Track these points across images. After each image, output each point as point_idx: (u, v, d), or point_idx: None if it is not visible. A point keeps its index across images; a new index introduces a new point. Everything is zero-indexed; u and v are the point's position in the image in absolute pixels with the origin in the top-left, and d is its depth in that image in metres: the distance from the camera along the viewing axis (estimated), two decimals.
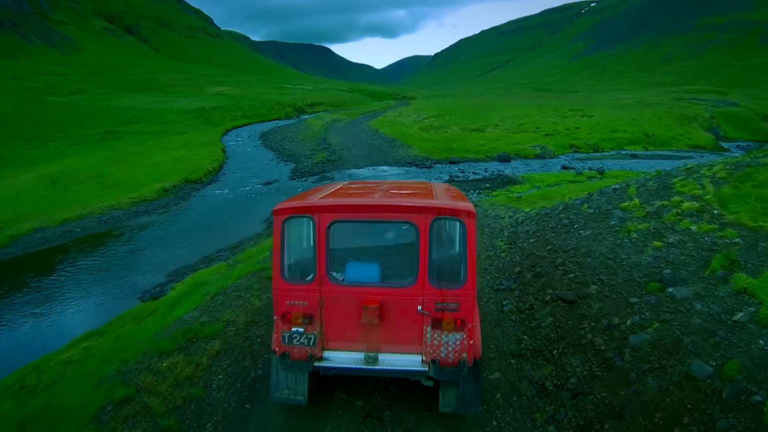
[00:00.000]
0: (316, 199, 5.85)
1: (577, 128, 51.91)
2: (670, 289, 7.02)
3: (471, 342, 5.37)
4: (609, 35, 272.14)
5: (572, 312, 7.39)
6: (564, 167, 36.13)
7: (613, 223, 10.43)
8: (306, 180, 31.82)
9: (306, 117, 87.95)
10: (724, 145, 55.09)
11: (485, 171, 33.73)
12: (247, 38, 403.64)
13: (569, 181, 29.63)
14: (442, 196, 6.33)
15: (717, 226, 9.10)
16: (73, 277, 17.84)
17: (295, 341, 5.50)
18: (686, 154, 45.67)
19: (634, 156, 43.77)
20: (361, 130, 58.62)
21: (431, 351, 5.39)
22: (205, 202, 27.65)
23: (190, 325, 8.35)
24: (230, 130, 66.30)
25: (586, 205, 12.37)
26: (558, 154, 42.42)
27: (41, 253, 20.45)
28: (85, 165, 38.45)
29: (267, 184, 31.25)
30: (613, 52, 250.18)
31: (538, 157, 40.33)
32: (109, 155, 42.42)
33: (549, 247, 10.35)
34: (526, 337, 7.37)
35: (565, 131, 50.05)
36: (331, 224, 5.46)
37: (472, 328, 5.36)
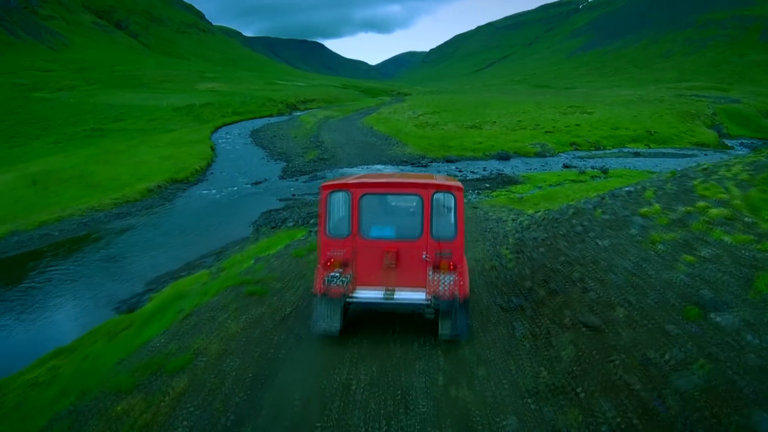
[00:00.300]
0: (350, 180, 7.86)
1: (577, 125, 51.05)
2: (713, 316, 6.06)
3: (461, 282, 7.10)
4: (607, 31, 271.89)
5: (598, 341, 6.41)
6: (565, 166, 35.23)
7: (633, 231, 9.44)
8: (297, 179, 30.77)
9: (298, 114, 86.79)
10: (728, 142, 54.38)
11: (484, 170, 32.77)
12: (240, 34, 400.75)
13: (572, 181, 28.72)
14: (439, 178, 8.47)
15: (753, 237, 8.13)
16: (48, 285, 16.73)
17: (333, 282, 7.10)
18: (690, 152, 44.89)
19: (636, 154, 42.91)
20: (355, 127, 57.59)
21: (433, 287, 7.07)
22: (191, 203, 26.54)
23: (155, 354, 7.30)
24: (220, 127, 65.21)
25: (599, 210, 11.39)
26: (559, 152, 41.55)
27: (16, 259, 19.31)
28: (68, 164, 37.27)
29: (256, 183, 30.16)
30: (611, 49, 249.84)
31: (538, 155, 39.41)
32: (94, 154, 41.24)
33: (563, 258, 9.35)
34: (543, 370, 6.37)
35: (565, 128, 49.17)
36: (362, 196, 7.37)
37: (462, 272, 7.17)
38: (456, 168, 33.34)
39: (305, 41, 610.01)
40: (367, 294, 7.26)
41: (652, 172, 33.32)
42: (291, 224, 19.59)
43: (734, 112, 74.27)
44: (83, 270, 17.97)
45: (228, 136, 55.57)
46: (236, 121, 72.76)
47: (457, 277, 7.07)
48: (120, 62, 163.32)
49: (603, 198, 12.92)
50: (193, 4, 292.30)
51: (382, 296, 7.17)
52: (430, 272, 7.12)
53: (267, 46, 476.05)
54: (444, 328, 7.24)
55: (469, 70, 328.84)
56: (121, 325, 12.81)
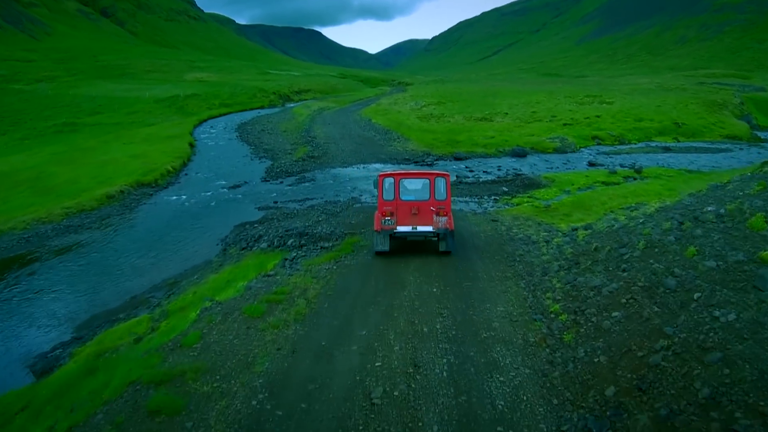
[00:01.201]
0: (393, 172, 14.64)
1: (597, 117, 47.62)
2: None
3: (450, 222, 13.51)
4: (618, 17, 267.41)
5: None
6: (591, 164, 31.84)
7: None
8: (281, 182, 27.42)
9: (292, 105, 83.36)
10: (760, 134, 51.04)
11: (498, 169, 29.41)
12: (232, 21, 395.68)
13: (603, 183, 25.38)
14: (436, 170, 16.72)
15: None
16: None
17: (385, 223, 13.44)
18: (723, 146, 41.51)
19: (666, 149, 39.49)
20: (352, 119, 54.26)
21: (435, 224, 13.45)
22: (155, 213, 23.22)
23: None
24: (205, 120, 62.03)
25: (692, 248, 8.03)
26: (580, 148, 38.18)
27: None
28: (29, 163, 34.12)
29: (234, 188, 26.83)
30: (622, 35, 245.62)
31: (557, 151, 36.03)
32: (59, 152, 38.09)
33: (662, 340, 6.02)
34: None
35: (584, 120, 45.74)
36: (400, 180, 13.88)
37: (450, 216, 13.59)
38: (466, 167, 29.98)
39: (301, 29, 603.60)
40: (402, 229, 13.61)
41: (690, 172, 30.00)
42: (264, 245, 16.26)
43: (762, 101, 70.87)
44: (3, 307, 14.72)
45: (212, 131, 52.38)
46: (224, 114, 69.63)
47: (448, 219, 13.54)
48: (104, 51, 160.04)
49: (681, 223, 9.55)
50: None
51: (410, 230, 13.61)
52: (435, 216, 13.51)
53: (261, 34, 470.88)
54: (441, 246, 13.94)
55: (474, 59, 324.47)
56: (17, 405, 9.63)
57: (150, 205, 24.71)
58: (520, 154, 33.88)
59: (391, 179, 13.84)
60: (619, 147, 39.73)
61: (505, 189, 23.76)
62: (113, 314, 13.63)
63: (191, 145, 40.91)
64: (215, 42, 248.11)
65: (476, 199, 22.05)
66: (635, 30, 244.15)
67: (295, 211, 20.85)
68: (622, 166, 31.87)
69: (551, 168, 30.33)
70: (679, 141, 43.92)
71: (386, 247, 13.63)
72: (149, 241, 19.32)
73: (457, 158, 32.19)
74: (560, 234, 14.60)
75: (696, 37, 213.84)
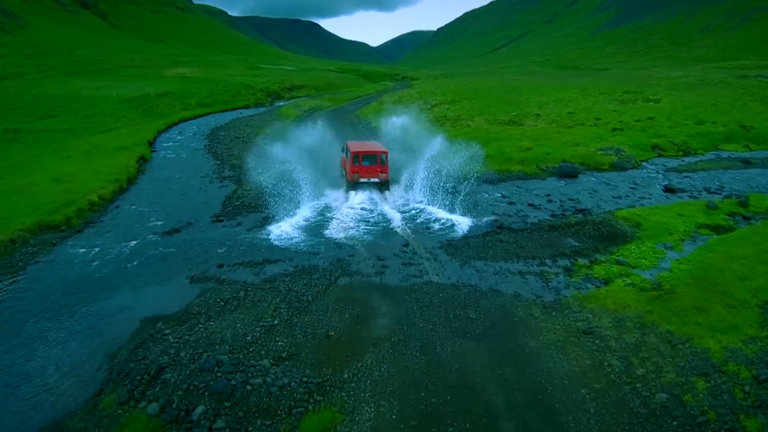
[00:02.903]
0: (358, 149, 24.16)
1: (650, 119, 40.11)
2: None
3: (387, 176, 23.86)
4: (636, 5, 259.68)
5: None
6: (668, 189, 24.29)
7: None
8: (239, 225, 19.96)
9: (281, 104, 76.08)
10: None
11: (549, 200, 21.96)
12: (225, 13, 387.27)
13: (709, 228, 17.88)
14: (380, 148, 24.88)
15: None
16: None
17: (354, 177, 23.30)
18: None
19: (746, 162, 32.00)
20: (348, 122, 47.00)
21: (381, 177, 23.61)
22: (44, 281, 15.76)
23: None
24: (175, 124, 55.01)
25: None
26: (641, 161, 30.71)
27: None
28: None
29: (171, 233, 19.40)
30: (642, 24, 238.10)
31: (615, 167, 28.54)
32: None
33: None
34: None
35: (636, 124, 38.23)
36: (363, 155, 23.59)
37: (387, 173, 23.88)
38: (502, 196, 22.56)
39: (298, 21, 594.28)
40: (363, 179, 23.19)
41: None
42: (156, 407, 8.74)
43: None
44: None
45: (179, 138, 45.28)
46: (200, 116, 62.52)
47: (386, 174, 23.57)
48: (81, 45, 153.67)
49: None
50: None
51: (367, 180, 23.28)
52: (379, 174, 23.33)
53: (255, 26, 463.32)
54: (383, 189, 23.76)
55: (482, 51, 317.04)
56: None
57: (45, 264, 17.26)
58: (569, 173, 26.37)
59: (357, 154, 23.49)
60: (686, 160, 32.26)
61: (574, 243, 16.30)
62: None
63: (142, 161, 33.78)
64: (204, 35, 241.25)
65: (535, 267, 14.61)
66: (656, 19, 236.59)
67: (242, 293, 13.44)
68: (708, 191, 24.47)
69: (619, 197, 22.81)
70: (751, 149, 36.44)
71: (353, 188, 23.60)
72: (6, 345, 11.87)
73: (486, 181, 24.68)
74: (734, 385, 7.15)
75: (722, 25, 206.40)
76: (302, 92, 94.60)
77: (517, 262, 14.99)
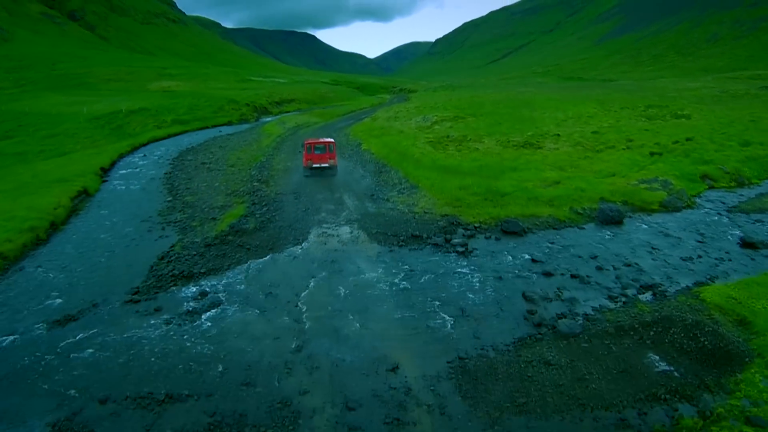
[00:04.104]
0: (312, 141, 30.96)
1: (689, 140, 34.19)
2: None
3: (335, 161, 30.45)
4: (640, 13, 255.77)
5: None
6: (746, 243, 18.22)
7: None
8: (159, 311, 13.84)
9: (268, 120, 70.33)
10: None
11: (596, 265, 15.85)
12: (218, 25, 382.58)
13: None
14: (328, 139, 31.72)
15: None
16: None
17: (308, 163, 29.98)
18: None
19: None
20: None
21: (330, 162, 30.07)
22: None
23: None
24: (143, 145, 49.27)
25: None
26: (692, 196, 24.76)
27: None
28: None
29: (63, 322, 13.52)
30: (646, 33, 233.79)
31: (666, 207, 22.53)
32: None
33: None
34: None
35: (675, 146, 32.33)
36: (314, 146, 30.24)
37: (335, 160, 30.60)
38: (532, 260, 16.34)
39: (294, 32, 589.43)
40: (315, 165, 29.62)
41: None
42: None
43: None
44: None
45: (141, 163, 39.51)
46: (174, 134, 56.78)
47: (334, 161, 30.09)
48: (66, 59, 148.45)
49: None
50: None
51: (319, 165, 29.66)
52: (329, 159, 29.71)
53: (251, 38, 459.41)
54: (332, 173, 30.10)
55: (482, 62, 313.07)
56: None
57: None
58: (613, 218, 20.33)
59: (309, 146, 30.01)
60: (744, 193, 26.31)
61: (663, 367, 10.08)
62: None
63: (83, 196, 28.08)
64: (196, 47, 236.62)
65: (613, 430, 8.57)
66: (660, 27, 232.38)
67: None
68: None
69: (690, 258, 16.66)
70: None
71: (308, 173, 29.83)
72: None
73: (508, 232, 18.60)
74: None
75: (729, 34, 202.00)
76: (292, 106, 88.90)
77: (581, 419, 8.91)
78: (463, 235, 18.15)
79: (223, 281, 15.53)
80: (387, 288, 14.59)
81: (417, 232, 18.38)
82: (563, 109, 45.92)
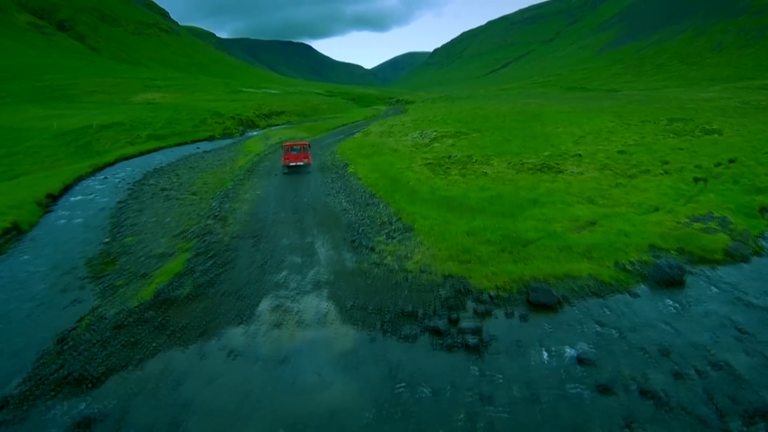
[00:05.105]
0: (289, 143, 36.78)
1: (732, 162, 29.16)
2: None
3: (309, 161, 35.76)
4: (642, 22, 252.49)
5: None
6: None
7: None
8: None
9: (253, 134, 65.46)
10: None
11: (673, 371, 10.69)
12: (213, 35, 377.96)
13: None
14: (303, 141, 38.53)
15: None
16: None
17: (286, 162, 34.93)
18: None
19: None
20: (316, 166, 36.47)
21: (304, 161, 35.14)
22: None
23: None
24: (110, 164, 44.54)
25: None
26: (756, 236, 19.67)
27: None
28: None
29: None
30: (649, 42, 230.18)
31: (732, 257, 17.36)
32: None
33: None
34: None
35: (719, 169, 27.29)
36: (291, 147, 35.67)
37: (309, 159, 35.82)
38: (578, 360, 11.12)
39: (290, 43, 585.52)
40: (292, 163, 34.68)
41: None
42: None
43: None
44: None
45: (98, 187, 35.06)
46: (147, 151, 52.00)
47: (308, 160, 35.25)
48: (52, 70, 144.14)
49: None
50: (155, 2, 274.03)
51: (295, 163, 34.70)
52: (303, 159, 34.81)
53: (246, 49, 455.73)
54: (306, 170, 34.71)
55: (481, 72, 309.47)
56: None
57: None
58: (671, 278, 15.17)
59: (288, 147, 35.08)
60: None
61: None
62: None
63: (14, 232, 23.31)
64: (189, 57, 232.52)
65: None
66: (663, 36, 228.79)
67: None
68: None
69: None
70: None
71: (286, 171, 34.29)
72: None
73: (538, 305, 13.39)
74: None
75: (734, 43, 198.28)
76: (281, 119, 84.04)
77: None
78: (475, 311, 12.96)
79: (120, 398, 10.38)
80: (359, 424, 9.45)
81: (410, 307, 13.15)
82: (578, 123, 40.93)
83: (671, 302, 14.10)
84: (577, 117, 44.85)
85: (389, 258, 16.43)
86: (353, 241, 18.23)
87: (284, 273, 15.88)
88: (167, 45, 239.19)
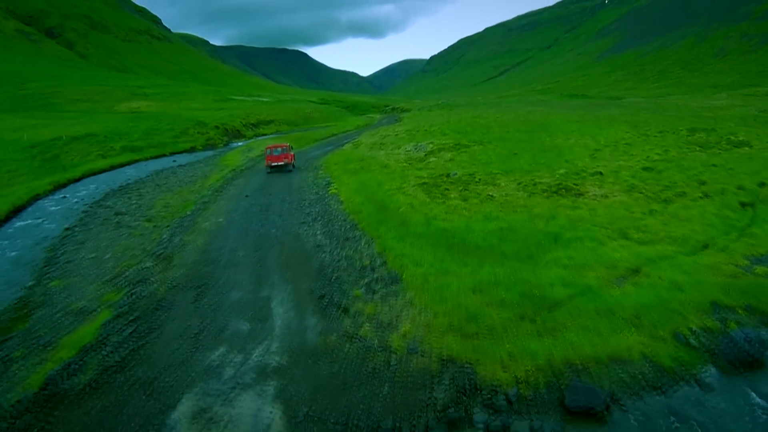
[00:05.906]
0: (272, 145, 40.84)
1: (764, 184, 25.17)
2: None
3: (292, 161, 40.06)
4: (642, 28, 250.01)
5: None
6: None
7: None
8: None
9: (238, 145, 61.48)
10: None
11: None
12: (207, 42, 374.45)
13: None
14: (285, 143, 42.86)
15: None
16: None
17: (270, 162, 38.54)
18: None
19: None
20: (296, 184, 32.32)
21: (287, 161, 38.75)
22: None
23: None
24: (75, 180, 40.85)
25: None
26: None
27: None
28: None
29: None
30: (649, 49, 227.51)
31: None
32: None
33: None
34: None
35: (765, 190, 23.31)
36: (273, 149, 39.44)
37: (292, 157, 40.04)
38: None
39: (285, 50, 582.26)
40: (274, 163, 38.20)
41: None
42: None
43: None
44: None
45: (53, 209, 31.99)
46: (119, 165, 48.03)
47: (290, 160, 39.22)
48: (37, 78, 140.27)
49: None
50: (148, 8, 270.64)
51: (277, 163, 38.25)
52: (284, 159, 38.37)
53: (240, 56, 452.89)
54: (289, 170, 38.62)
55: (478, 80, 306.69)
56: None
57: None
58: (750, 356, 11.04)
59: (270, 149, 38.71)
60: None
61: None
62: None
63: None
64: (180, 64, 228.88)
65: None
66: (664, 43, 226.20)
67: None
68: None
69: None
70: None
71: (269, 170, 37.58)
72: None
73: (579, 412, 9.24)
74: None
75: (737, 49, 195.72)
76: (270, 128, 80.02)
77: None
78: (487, 427, 8.84)
79: None
80: None
81: (390, 421, 8.99)
82: (590, 134, 36.93)
83: (755, 396, 9.98)
84: (587, 127, 40.85)
85: (367, 326, 12.24)
86: (322, 297, 14.03)
87: (222, 350, 11.65)
88: (159, 52, 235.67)
